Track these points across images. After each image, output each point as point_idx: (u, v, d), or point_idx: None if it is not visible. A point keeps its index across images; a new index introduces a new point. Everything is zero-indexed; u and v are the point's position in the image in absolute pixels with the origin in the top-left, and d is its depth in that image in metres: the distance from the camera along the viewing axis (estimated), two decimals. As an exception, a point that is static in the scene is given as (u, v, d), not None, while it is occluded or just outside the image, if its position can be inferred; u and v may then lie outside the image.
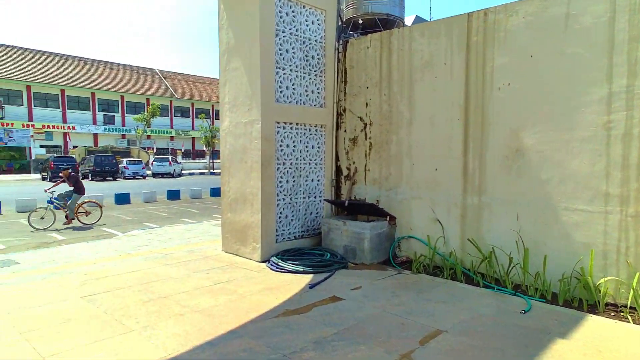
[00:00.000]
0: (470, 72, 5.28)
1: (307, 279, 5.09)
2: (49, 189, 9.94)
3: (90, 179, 28.21)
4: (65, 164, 26.81)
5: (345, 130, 6.79)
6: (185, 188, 18.29)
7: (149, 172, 31.84)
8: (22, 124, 35.19)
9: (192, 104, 48.32)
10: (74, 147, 35.63)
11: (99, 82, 41.45)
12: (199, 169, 40.04)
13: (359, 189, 6.66)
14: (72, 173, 10.19)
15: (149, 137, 41.88)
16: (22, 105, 36.26)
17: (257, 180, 5.90)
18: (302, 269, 5.33)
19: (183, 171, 35.45)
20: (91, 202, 10.69)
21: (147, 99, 44.00)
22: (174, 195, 16.09)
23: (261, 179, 5.84)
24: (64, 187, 10.27)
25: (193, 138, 47.91)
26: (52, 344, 3.33)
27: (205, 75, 55.23)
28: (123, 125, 42.73)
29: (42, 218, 9.54)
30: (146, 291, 4.63)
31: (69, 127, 38.01)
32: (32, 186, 22.36)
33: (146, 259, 6.10)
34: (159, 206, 13.89)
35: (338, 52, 6.79)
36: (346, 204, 6.38)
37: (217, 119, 50.00)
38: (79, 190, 10.02)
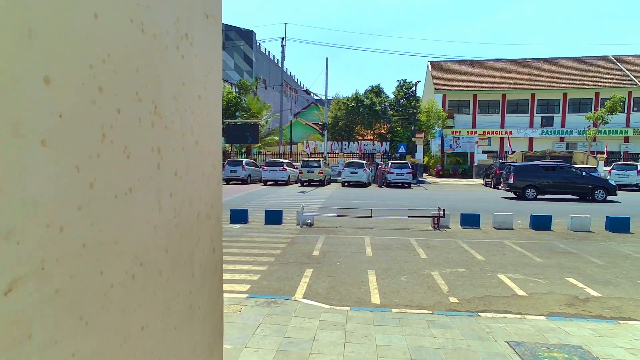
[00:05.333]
0: None
1: None
2: None
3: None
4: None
5: None
6: None
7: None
8: (467, 131, 37.84)
9: (662, 91, 36.08)
10: (506, 152, 34.51)
11: (539, 81, 38.53)
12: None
13: None
14: None
15: (594, 138, 34.58)
16: (468, 113, 39.10)
17: None
18: None
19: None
20: None
21: (596, 93, 36.65)
22: None
23: None
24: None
25: (662, 137, 35.82)
26: None
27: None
28: (562, 126, 37.75)
29: None
30: None
31: (506, 132, 37.47)
32: (481, 192, 22.17)
33: None
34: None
35: None
36: None
37: None
38: None
